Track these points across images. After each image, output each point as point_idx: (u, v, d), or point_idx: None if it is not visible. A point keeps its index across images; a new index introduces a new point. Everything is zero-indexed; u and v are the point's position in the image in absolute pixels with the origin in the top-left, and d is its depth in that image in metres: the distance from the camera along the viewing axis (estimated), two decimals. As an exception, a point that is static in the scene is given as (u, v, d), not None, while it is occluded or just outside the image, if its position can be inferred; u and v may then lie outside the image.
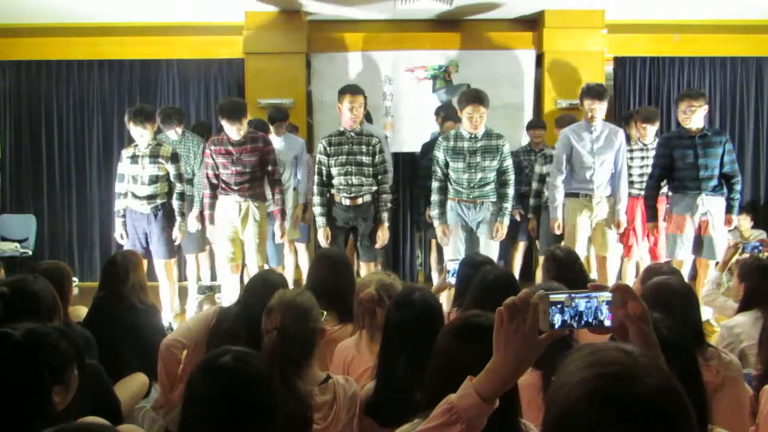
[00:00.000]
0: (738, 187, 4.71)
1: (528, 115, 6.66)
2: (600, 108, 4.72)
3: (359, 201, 4.56)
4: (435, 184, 4.64)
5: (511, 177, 4.62)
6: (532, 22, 6.78)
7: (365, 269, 4.59)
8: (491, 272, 2.67)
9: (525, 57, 6.71)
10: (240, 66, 6.72)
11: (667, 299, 2.26)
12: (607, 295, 1.18)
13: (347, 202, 4.56)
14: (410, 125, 6.67)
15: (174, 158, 4.78)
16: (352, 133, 4.55)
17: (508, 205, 4.60)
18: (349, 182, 4.53)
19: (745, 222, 6.57)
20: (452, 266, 3.39)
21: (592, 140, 4.77)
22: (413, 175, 6.60)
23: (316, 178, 4.63)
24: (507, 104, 6.60)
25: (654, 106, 6.28)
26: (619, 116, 6.94)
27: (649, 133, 5.24)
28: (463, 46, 6.73)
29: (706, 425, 1.53)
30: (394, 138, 6.67)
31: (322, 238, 4.58)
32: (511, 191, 4.61)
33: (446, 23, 6.83)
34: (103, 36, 6.78)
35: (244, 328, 2.57)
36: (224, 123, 4.58)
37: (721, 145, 4.64)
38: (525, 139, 6.54)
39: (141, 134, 4.67)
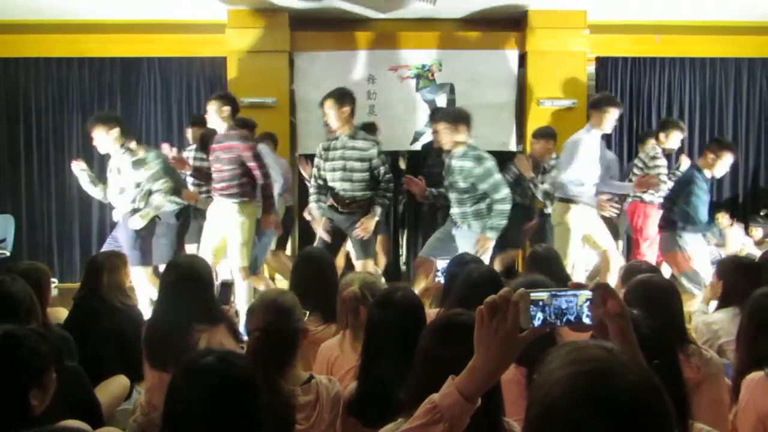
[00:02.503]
0: None
1: (511, 115, 6.68)
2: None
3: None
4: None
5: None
6: (516, 22, 6.81)
7: (362, 267, 4.54)
8: (476, 270, 2.69)
9: (508, 57, 6.73)
10: (222, 64, 6.68)
11: (651, 297, 2.29)
12: (587, 294, 1.19)
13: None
14: (393, 124, 6.67)
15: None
16: (346, 136, 4.47)
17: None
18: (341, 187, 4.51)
19: (724, 220, 6.64)
20: (440, 265, 3.38)
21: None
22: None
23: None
24: (491, 104, 6.62)
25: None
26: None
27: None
28: (447, 45, 6.73)
29: (686, 421, 1.55)
30: (377, 137, 6.67)
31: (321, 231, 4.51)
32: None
33: (430, 22, 6.83)
34: (84, 33, 6.71)
35: (173, 328, 2.58)
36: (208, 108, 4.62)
37: None
38: (509, 138, 6.60)
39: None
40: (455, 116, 4.39)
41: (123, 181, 4.67)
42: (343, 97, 4.43)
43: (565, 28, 6.56)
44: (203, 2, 6.24)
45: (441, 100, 6.68)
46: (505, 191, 4.27)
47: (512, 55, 6.73)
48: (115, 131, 4.62)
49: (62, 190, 6.89)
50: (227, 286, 3.06)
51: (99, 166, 6.79)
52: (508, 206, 4.28)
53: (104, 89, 6.84)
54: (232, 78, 6.57)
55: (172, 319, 2.61)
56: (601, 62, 7.06)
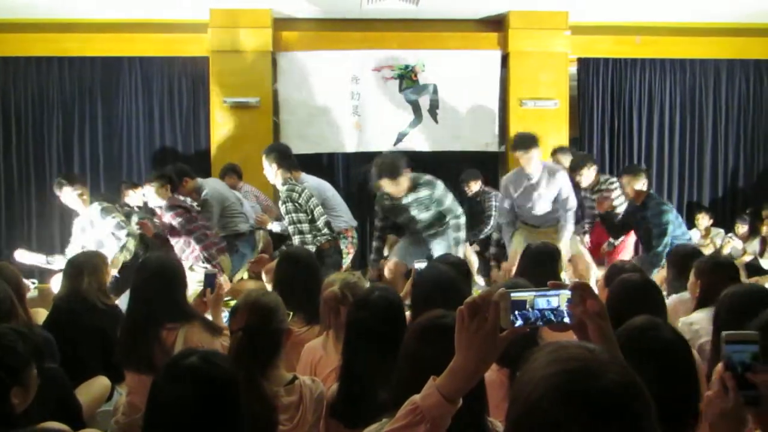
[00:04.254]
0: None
1: (494, 115, 6.71)
2: (528, 157, 4.72)
3: None
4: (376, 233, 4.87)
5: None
6: (498, 23, 6.84)
7: None
8: (432, 270, 2.74)
9: (490, 57, 6.76)
10: (205, 64, 6.63)
11: (634, 297, 2.33)
12: (566, 293, 1.20)
13: None
14: (377, 124, 6.67)
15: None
16: None
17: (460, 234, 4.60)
18: None
19: (704, 221, 6.71)
20: (419, 266, 3.37)
21: (531, 187, 4.82)
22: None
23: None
24: (473, 104, 6.65)
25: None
26: (582, 117, 7.05)
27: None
28: (430, 45, 6.75)
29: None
30: (361, 137, 6.67)
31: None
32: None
33: (413, 23, 6.84)
34: (64, 32, 6.62)
35: (142, 328, 2.62)
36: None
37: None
38: (491, 139, 6.63)
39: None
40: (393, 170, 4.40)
41: (97, 233, 4.67)
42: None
43: (546, 29, 6.60)
44: (185, 1, 6.20)
45: (424, 101, 6.69)
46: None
47: (494, 55, 6.76)
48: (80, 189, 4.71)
49: (42, 190, 6.80)
50: (212, 277, 3.06)
51: (79, 166, 6.76)
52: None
53: (85, 89, 6.75)
54: (214, 78, 6.52)
55: (141, 319, 2.62)
56: (583, 63, 7.11)
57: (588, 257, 5.01)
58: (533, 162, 4.74)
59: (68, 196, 4.70)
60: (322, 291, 2.65)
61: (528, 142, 4.75)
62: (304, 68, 6.58)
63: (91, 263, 3.27)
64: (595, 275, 4.78)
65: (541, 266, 3.23)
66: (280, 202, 4.42)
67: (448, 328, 1.40)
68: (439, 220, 4.60)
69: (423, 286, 2.68)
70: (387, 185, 4.35)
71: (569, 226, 4.86)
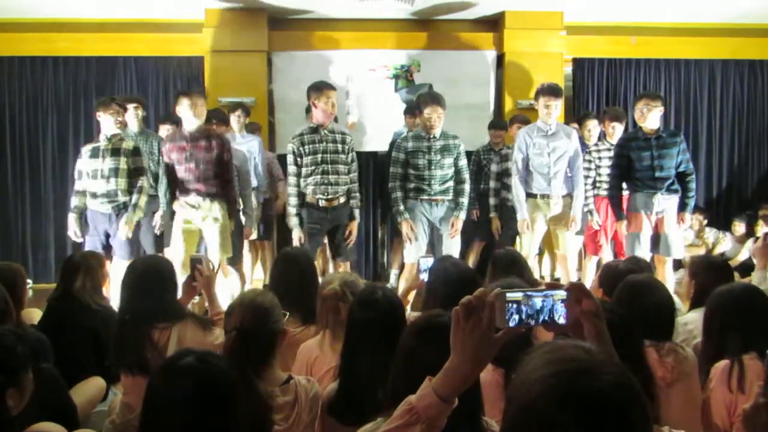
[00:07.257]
0: (692, 185, 4.79)
1: (489, 115, 6.72)
2: (556, 105, 4.75)
3: (335, 203, 4.51)
4: (397, 183, 4.67)
5: (467, 176, 4.74)
6: (493, 23, 6.85)
7: (343, 269, 4.54)
8: (454, 268, 2.71)
9: (486, 57, 6.77)
10: (200, 64, 6.63)
11: (643, 295, 2.36)
12: (562, 293, 1.19)
13: (323, 203, 4.49)
14: (372, 124, 6.68)
15: (135, 152, 4.70)
16: (326, 131, 4.48)
17: (465, 200, 4.69)
18: (326, 182, 4.46)
19: (698, 221, 6.73)
20: (424, 263, 3.36)
21: (547, 139, 4.79)
22: (379, 173, 6.61)
23: (291, 179, 4.50)
24: (468, 104, 6.65)
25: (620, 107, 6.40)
26: (578, 116, 7.07)
27: (617, 133, 5.33)
28: (426, 45, 6.76)
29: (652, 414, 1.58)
30: (356, 137, 6.66)
31: (297, 240, 4.48)
32: (467, 188, 4.73)
33: (408, 23, 6.85)
34: (59, 32, 6.61)
35: (133, 327, 2.61)
36: (183, 102, 4.50)
37: (677, 146, 4.73)
38: (487, 139, 6.62)
39: (114, 121, 4.64)
40: (442, 100, 4.66)
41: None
42: None
43: (542, 29, 6.61)
44: (180, 1, 6.19)
45: (419, 101, 6.69)
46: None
47: (490, 55, 6.78)
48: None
49: (36, 190, 6.79)
50: (197, 261, 3.05)
51: (73, 166, 6.72)
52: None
53: (79, 89, 6.74)
54: (209, 77, 6.52)
55: (132, 320, 2.63)
56: (578, 63, 7.13)
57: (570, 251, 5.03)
58: (557, 112, 4.83)
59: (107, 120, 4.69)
60: (320, 289, 2.65)
61: (559, 90, 4.86)
62: (300, 68, 6.57)
63: (87, 263, 3.25)
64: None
65: (508, 274, 3.23)
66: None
67: (445, 328, 1.40)
68: (452, 179, 4.69)
69: (441, 284, 2.65)
70: (432, 110, 4.55)
71: (581, 187, 4.90)
